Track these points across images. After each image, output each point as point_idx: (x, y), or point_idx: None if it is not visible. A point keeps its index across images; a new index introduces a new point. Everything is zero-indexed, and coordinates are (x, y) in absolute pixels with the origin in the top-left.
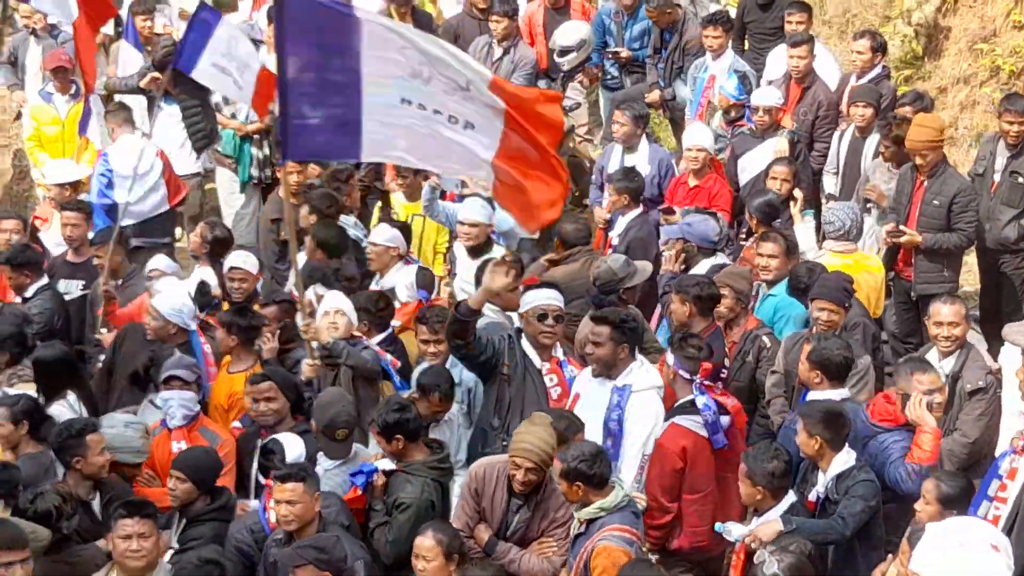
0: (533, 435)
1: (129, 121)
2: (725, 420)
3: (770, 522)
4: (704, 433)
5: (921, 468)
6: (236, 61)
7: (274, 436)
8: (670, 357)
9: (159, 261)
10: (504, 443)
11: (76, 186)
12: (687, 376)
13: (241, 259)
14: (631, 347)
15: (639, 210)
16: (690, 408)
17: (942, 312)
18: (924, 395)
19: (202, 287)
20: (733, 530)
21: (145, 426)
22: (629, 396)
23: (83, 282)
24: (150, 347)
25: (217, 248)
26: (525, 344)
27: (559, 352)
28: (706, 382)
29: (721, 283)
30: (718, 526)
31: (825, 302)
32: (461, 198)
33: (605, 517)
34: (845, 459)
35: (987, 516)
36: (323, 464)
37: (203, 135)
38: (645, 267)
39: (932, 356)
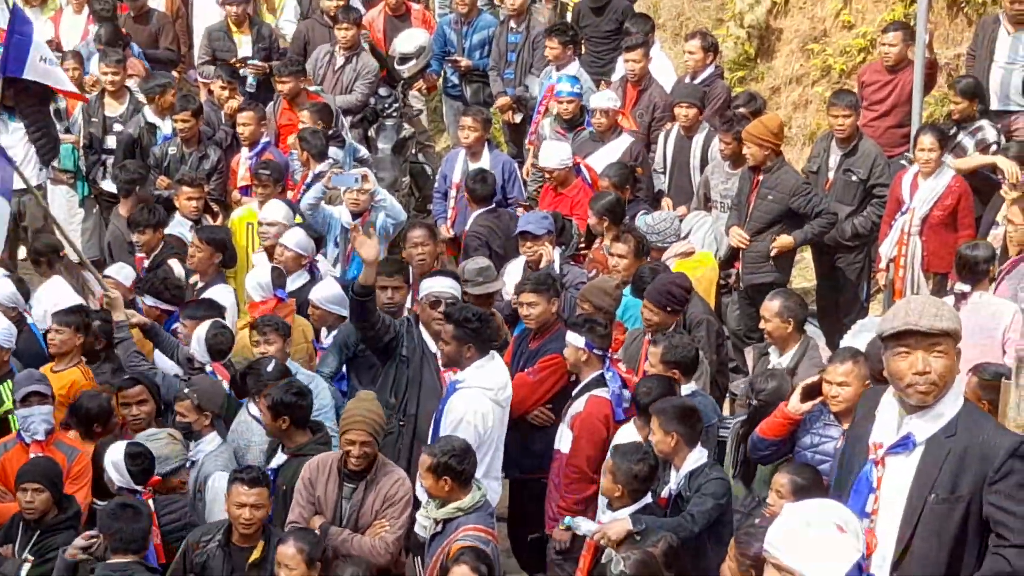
0: (362, 408)
1: None
2: (627, 395)
3: (619, 520)
4: None
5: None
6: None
7: (131, 441)
8: (579, 339)
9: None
10: (400, 423)
11: None
12: (599, 353)
13: (115, 270)
14: (477, 347)
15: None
16: (600, 382)
17: (765, 306)
18: (829, 384)
19: None
20: (582, 525)
21: (168, 432)
22: (452, 393)
23: None
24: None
25: (48, 255)
26: (422, 329)
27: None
28: (614, 356)
29: (582, 297)
30: (567, 520)
31: (648, 302)
32: None
33: (462, 517)
34: (697, 456)
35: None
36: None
37: (51, 147)
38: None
39: (773, 351)
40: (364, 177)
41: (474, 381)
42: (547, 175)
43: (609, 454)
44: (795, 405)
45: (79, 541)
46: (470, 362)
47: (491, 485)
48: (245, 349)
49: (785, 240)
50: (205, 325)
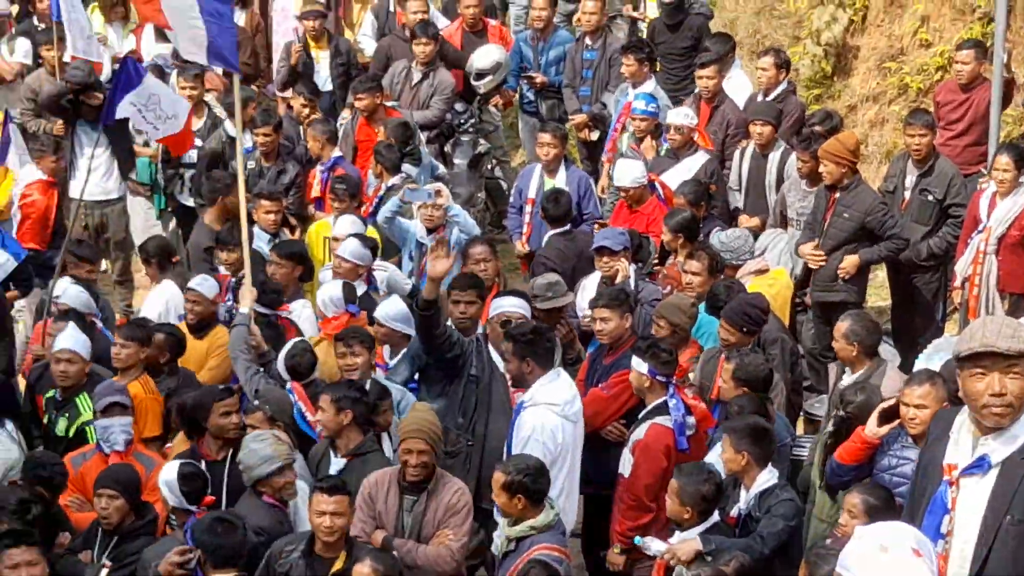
0: (419, 418)
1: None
2: (691, 421)
3: (689, 540)
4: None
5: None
6: (154, 112)
7: (185, 461)
8: (642, 365)
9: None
10: (469, 443)
11: None
12: (663, 380)
13: (198, 281)
14: (537, 361)
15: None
16: (664, 409)
17: (837, 326)
18: (907, 406)
19: None
20: (652, 545)
21: (273, 433)
22: (520, 412)
23: None
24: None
25: (162, 257)
26: (491, 348)
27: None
28: (678, 383)
29: (658, 314)
30: (637, 539)
31: (725, 322)
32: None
33: (535, 536)
34: (768, 477)
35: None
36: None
37: (131, 161)
38: (567, 295)
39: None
40: (438, 192)
41: (540, 398)
42: (622, 193)
43: (674, 476)
44: (872, 429)
45: (173, 557)
46: (533, 378)
47: (568, 503)
48: (322, 365)
49: (851, 260)
50: (292, 341)
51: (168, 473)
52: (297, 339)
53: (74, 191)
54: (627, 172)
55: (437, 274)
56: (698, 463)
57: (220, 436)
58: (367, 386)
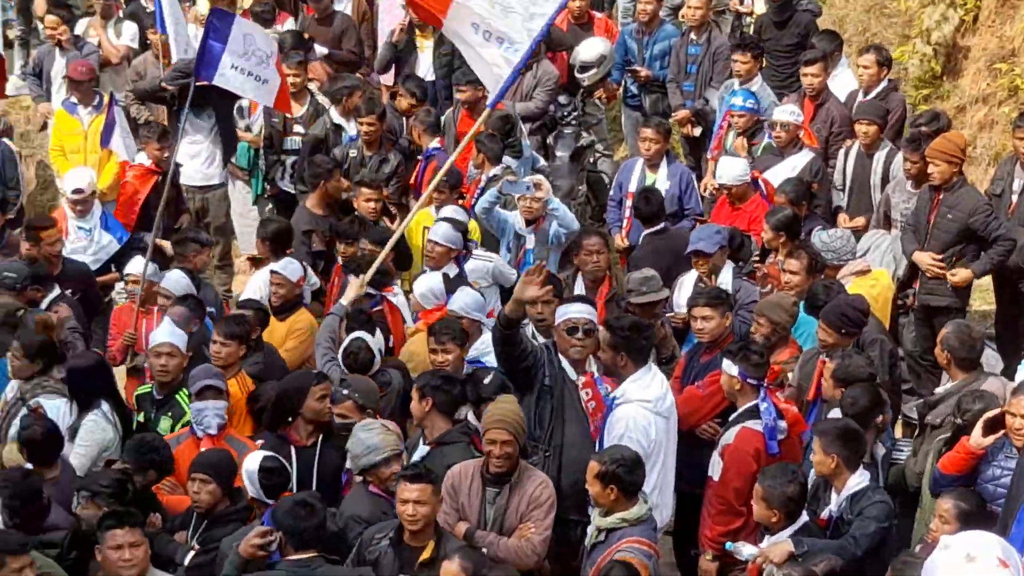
0: (503, 409)
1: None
2: (782, 425)
3: (781, 543)
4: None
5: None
6: (256, 56)
7: (268, 454)
8: (733, 368)
9: (136, 265)
10: (546, 453)
11: (92, 195)
12: (754, 383)
13: (282, 264)
14: (631, 356)
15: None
16: (755, 413)
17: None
18: (1013, 416)
19: None
20: (743, 550)
21: (382, 423)
22: (613, 409)
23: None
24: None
25: (279, 240)
26: (561, 357)
27: (593, 367)
28: (770, 386)
29: (758, 312)
30: (728, 545)
31: (824, 323)
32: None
33: (626, 529)
34: (859, 479)
35: None
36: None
37: (233, 146)
38: (662, 291)
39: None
40: (538, 185)
41: (633, 395)
42: (724, 190)
43: (758, 480)
44: (977, 440)
45: (254, 539)
46: (626, 373)
47: (662, 499)
48: (415, 356)
49: (964, 274)
50: (349, 338)
51: (251, 463)
52: (356, 335)
53: (185, 177)
54: (730, 169)
55: (525, 298)
56: (782, 464)
57: (314, 420)
58: (488, 379)
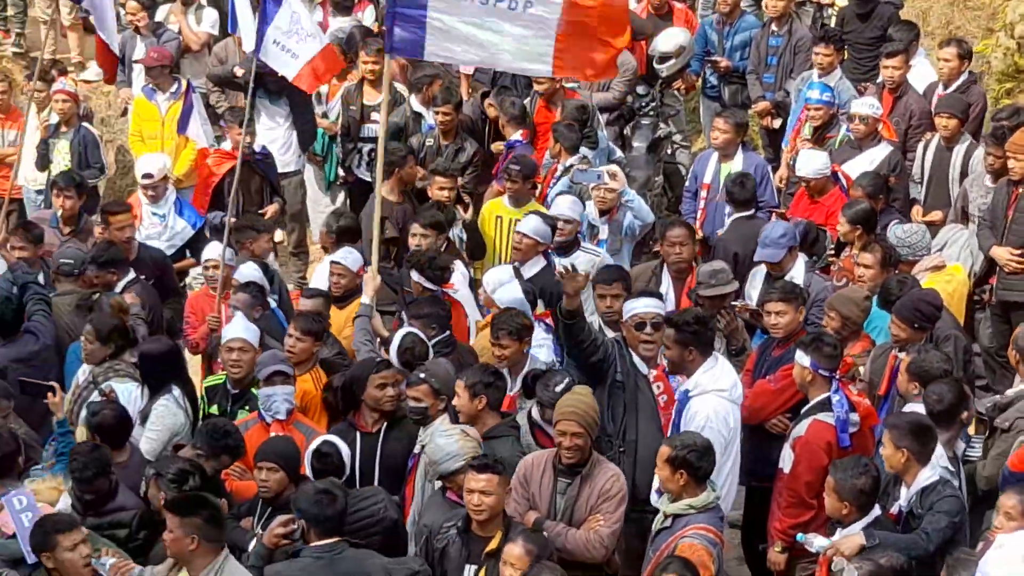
0: (577, 400)
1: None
2: (855, 418)
3: (852, 536)
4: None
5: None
6: (297, 35)
7: (326, 439)
8: (805, 358)
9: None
10: (620, 449)
11: (164, 180)
12: (826, 374)
13: (343, 254)
14: (699, 350)
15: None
16: (827, 405)
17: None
18: None
19: None
20: (815, 541)
21: (462, 429)
22: (687, 401)
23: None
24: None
25: (345, 237)
26: (632, 352)
27: (664, 360)
28: (843, 378)
29: (829, 306)
30: (800, 536)
31: (896, 318)
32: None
33: (692, 515)
34: (929, 474)
35: None
36: None
37: (311, 133)
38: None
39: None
40: (613, 175)
41: (708, 385)
42: (804, 183)
43: (830, 472)
44: None
45: (277, 528)
46: (694, 366)
47: (730, 489)
48: (484, 351)
49: None
50: (401, 333)
51: (312, 447)
52: (407, 330)
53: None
54: (810, 162)
55: (573, 290)
56: (854, 457)
57: (376, 408)
58: (562, 385)
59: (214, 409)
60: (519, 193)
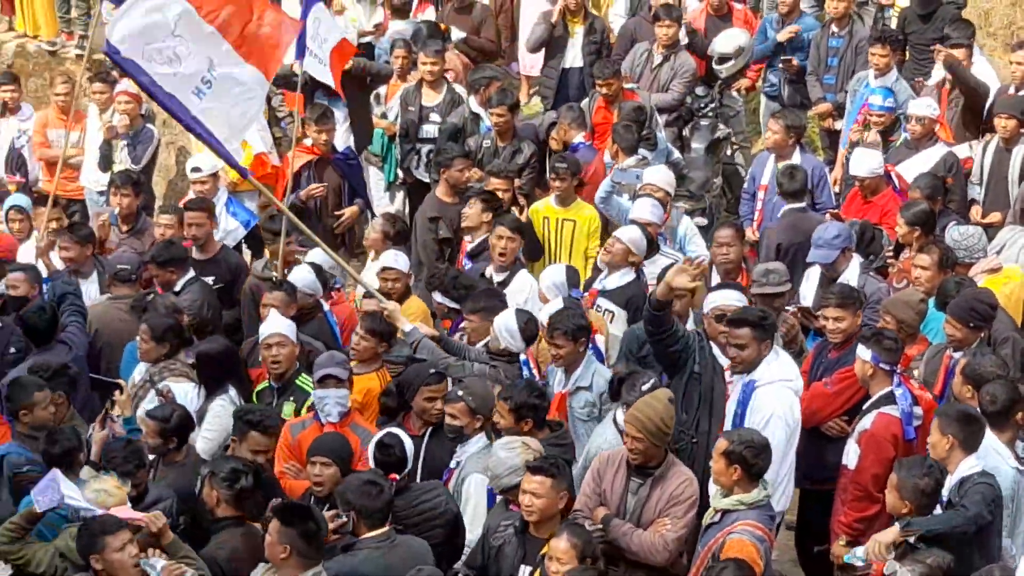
0: (646, 406)
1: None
2: (918, 411)
3: (887, 530)
4: None
5: None
6: (319, 38)
7: (391, 431)
8: (866, 353)
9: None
10: (693, 440)
11: (215, 178)
12: (887, 368)
13: (392, 258)
14: (772, 340)
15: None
16: (891, 399)
17: None
18: None
19: None
20: (857, 552)
21: (523, 442)
22: (752, 391)
23: (214, 277)
24: None
25: (401, 240)
26: (712, 344)
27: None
28: (904, 372)
29: (884, 309)
30: (847, 557)
31: (951, 317)
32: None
33: (742, 512)
34: (972, 464)
35: None
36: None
37: (368, 134)
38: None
39: None
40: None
41: (774, 376)
42: (857, 182)
43: (894, 470)
44: None
45: (329, 525)
46: (759, 360)
47: (788, 481)
48: (542, 351)
49: None
50: (508, 315)
51: (375, 437)
52: (518, 308)
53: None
54: (864, 161)
55: (676, 285)
56: (920, 457)
57: (421, 417)
58: (647, 385)
59: None
60: (566, 192)
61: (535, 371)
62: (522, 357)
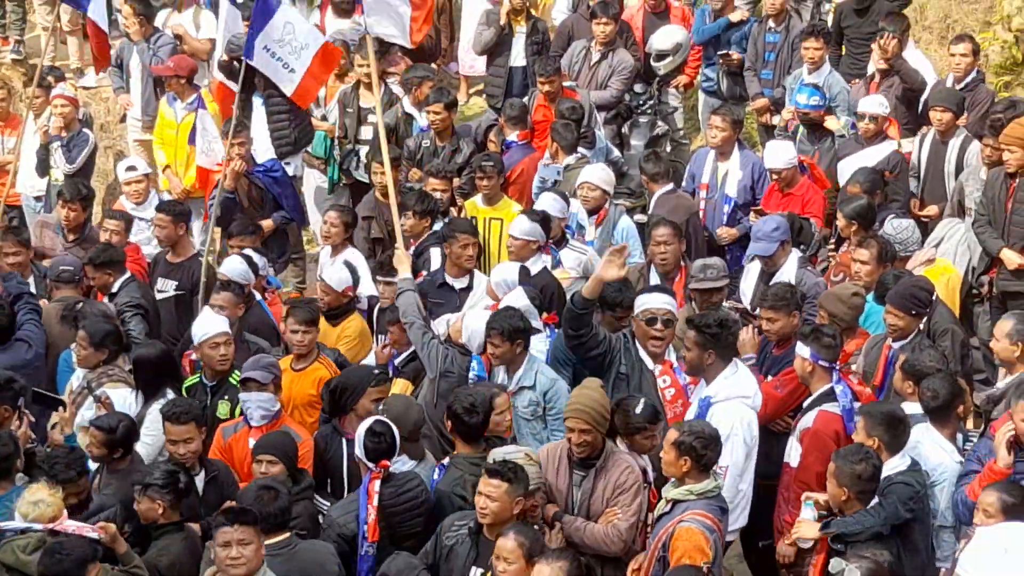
0: (585, 397)
1: None
2: (859, 406)
3: (810, 521)
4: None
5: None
6: (289, 46)
7: (380, 418)
8: (805, 350)
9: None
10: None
11: (147, 179)
12: (826, 365)
13: (328, 273)
14: (719, 354)
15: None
16: (831, 396)
17: (998, 325)
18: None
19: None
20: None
21: (526, 452)
22: (708, 408)
23: (176, 282)
24: None
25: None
26: (639, 346)
27: (672, 355)
28: (843, 368)
29: (819, 304)
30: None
31: (891, 307)
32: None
33: (692, 501)
34: (898, 463)
35: None
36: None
37: (286, 142)
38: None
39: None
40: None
41: (731, 392)
42: (773, 175)
43: (831, 459)
44: (1005, 460)
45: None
46: (712, 371)
47: (747, 493)
48: None
49: None
50: (480, 314)
51: (363, 426)
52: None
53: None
54: (778, 154)
55: (607, 278)
56: (857, 444)
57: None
58: (639, 408)
59: None
60: (492, 191)
61: (486, 370)
62: (474, 355)
